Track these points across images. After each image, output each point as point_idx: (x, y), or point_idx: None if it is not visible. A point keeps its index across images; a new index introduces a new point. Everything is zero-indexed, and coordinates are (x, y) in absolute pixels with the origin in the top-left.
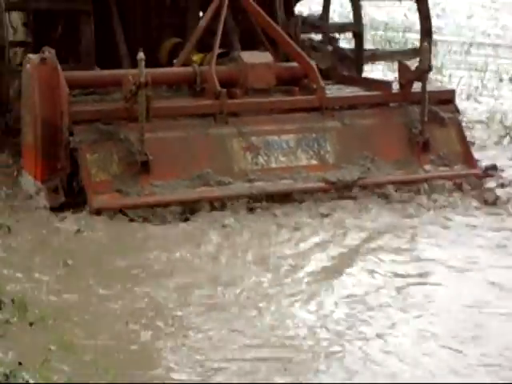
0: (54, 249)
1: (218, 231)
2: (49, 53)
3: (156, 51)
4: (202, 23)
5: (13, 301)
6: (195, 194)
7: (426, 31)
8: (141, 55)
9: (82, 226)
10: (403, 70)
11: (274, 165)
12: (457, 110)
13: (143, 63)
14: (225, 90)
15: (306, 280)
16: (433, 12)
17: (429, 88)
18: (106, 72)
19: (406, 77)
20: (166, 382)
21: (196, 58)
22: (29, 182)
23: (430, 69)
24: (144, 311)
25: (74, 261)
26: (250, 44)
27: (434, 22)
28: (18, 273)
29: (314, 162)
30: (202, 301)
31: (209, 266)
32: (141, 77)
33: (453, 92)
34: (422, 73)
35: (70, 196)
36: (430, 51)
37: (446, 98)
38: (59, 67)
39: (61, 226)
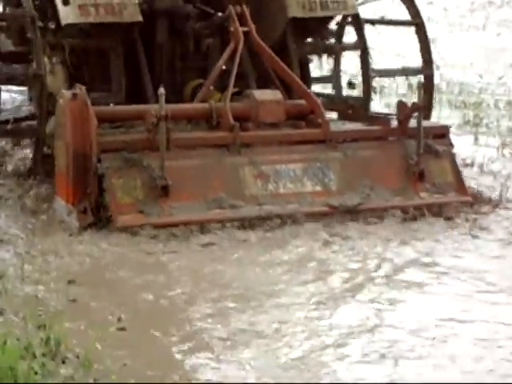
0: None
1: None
2: (80, 89)
3: (180, 92)
4: (219, 65)
5: (77, 356)
6: (210, 216)
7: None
8: (161, 90)
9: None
10: (401, 107)
11: (282, 190)
12: (450, 144)
13: (163, 98)
14: (238, 123)
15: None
16: None
17: (425, 124)
18: (131, 107)
19: (404, 113)
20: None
21: (216, 96)
22: (61, 205)
23: (424, 106)
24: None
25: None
26: (268, 83)
27: None
28: (81, 325)
29: (318, 188)
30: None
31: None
32: (161, 110)
33: (447, 127)
34: (418, 109)
35: (98, 216)
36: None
37: (441, 133)
38: (89, 102)
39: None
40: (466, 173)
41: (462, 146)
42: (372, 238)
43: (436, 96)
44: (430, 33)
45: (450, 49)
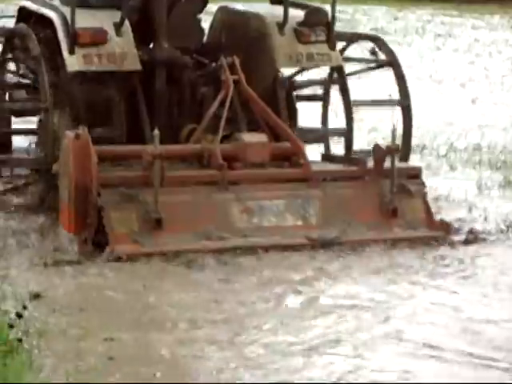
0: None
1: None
2: (83, 130)
3: (177, 135)
4: (211, 111)
5: None
6: (199, 246)
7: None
8: (156, 132)
9: None
10: (377, 149)
11: (265, 224)
12: (422, 183)
13: (158, 138)
14: (226, 163)
15: None
16: None
17: (399, 165)
18: (129, 147)
19: (379, 155)
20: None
21: (209, 139)
22: (64, 234)
23: (397, 148)
24: None
25: None
26: (258, 127)
27: None
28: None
29: (299, 222)
30: None
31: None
32: (156, 150)
33: (420, 169)
34: (391, 151)
35: (97, 246)
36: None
37: (414, 173)
38: (90, 142)
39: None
40: None
41: (506, 207)
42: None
43: (478, 156)
44: (471, 93)
45: (491, 109)
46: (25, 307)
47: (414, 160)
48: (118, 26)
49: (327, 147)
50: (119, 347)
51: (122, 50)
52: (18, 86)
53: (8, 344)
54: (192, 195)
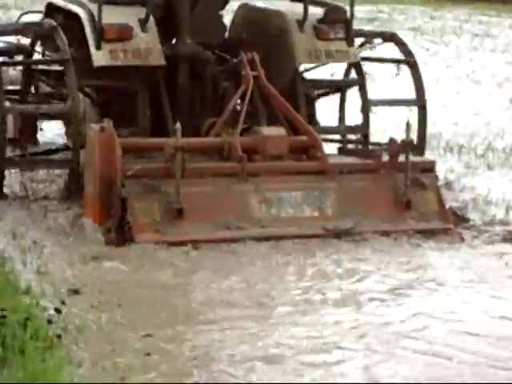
0: None
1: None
2: (107, 123)
3: (199, 129)
4: (231, 105)
5: None
6: (218, 236)
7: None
8: (177, 125)
9: None
10: (391, 143)
11: (283, 215)
12: (436, 177)
13: (180, 132)
14: (246, 155)
15: None
16: None
17: (413, 159)
18: (152, 140)
19: (393, 149)
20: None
21: (229, 132)
22: (89, 224)
23: (411, 142)
24: None
25: None
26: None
27: None
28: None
29: (315, 213)
30: None
31: None
32: (177, 142)
33: (433, 162)
34: (406, 145)
35: (121, 234)
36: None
37: (428, 167)
38: (115, 134)
39: None
40: None
41: None
42: None
43: None
44: (509, 93)
45: None
46: (63, 303)
47: (452, 159)
48: (143, 23)
49: (344, 143)
50: (156, 343)
51: (146, 45)
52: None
53: (47, 340)
54: (212, 186)
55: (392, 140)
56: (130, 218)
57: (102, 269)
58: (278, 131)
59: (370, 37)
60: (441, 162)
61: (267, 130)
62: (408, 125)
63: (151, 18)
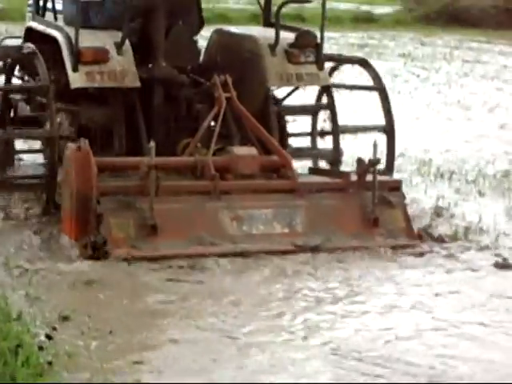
0: None
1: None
2: (84, 143)
3: (174, 148)
4: (205, 125)
5: None
6: (192, 251)
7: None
8: (151, 144)
9: None
10: (360, 163)
11: (254, 231)
12: (403, 195)
13: (154, 150)
14: (218, 174)
15: None
16: None
17: (381, 178)
18: (127, 158)
19: (361, 168)
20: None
21: (203, 152)
22: (65, 240)
23: (378, 161)
24: None
25: None
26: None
27: None
28: None
29: (286, 230)
30: None
31: None
32: (151, 161)
33: (400, 181)
34: (373, 165)
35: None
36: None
37: (395, 186)
38: (91, 153)
39: None
40: None
41: None
42: None
43: (507, 182)
44: (500, 119)
45: None
46: (54, 329)
47: (443, 186)
48: (119, 46)
49: (315, 163)
50: (148, 370)
51: (122, 67)
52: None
53: (38, 367)
54: (185, 203)
55: (360, 159)
56: (106, 233)
57: (91, 294)
58: (249, 151)
59: (341, 62)
60: (431, 188)
61: (239, 150)
62: (375, 145)
63: (127, 42)
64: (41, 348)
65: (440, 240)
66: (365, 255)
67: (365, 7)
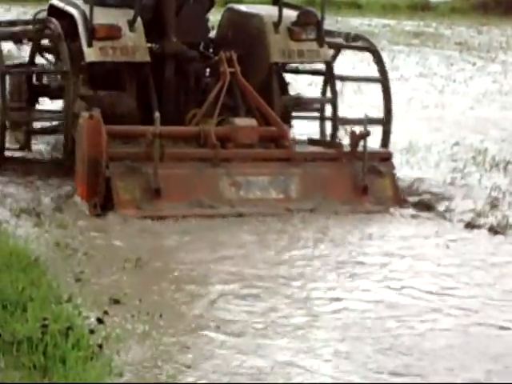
0: None
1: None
2: (95, 112)
3: (183, 118)
4: (210, 98)
5: None
6: (191, 213)
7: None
8: (156, 114)
9: None
10: (352, 135)
11: (251, 196)
12: (392, 166)
13: (158, 120)
14: (219, 143)
15: None
16: None
17: (372, 149)
18: (135, 127)
19: (353, 140)
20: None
21: (208, 122)
22: (78, 200)
23: (368, 134)
24: None
25: None
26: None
27: None
28: None
29: (280, 196)
30: None
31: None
32: (156, 129)
33: (390, 153)
34: (364, 137)
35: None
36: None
37: (385, 157)
38: (101, 121)
39: None
40: None
41: None
42: None
43: None
44: None
45: None
46: (106, 312)
47: (498, 176)
48: (131, 23)
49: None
50: (196, 353)
51: (133, 43)
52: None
53: (88, 350)
54: (188, 169)
55: (352, 132)
56: (114, 195)
57: (142, 275)
58: (249, 122)
59: (338, 37)
60: (486, 178)
61: (240, 121)
62: (366, 119)
63: (139, 19)
64: (92, 331)
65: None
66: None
67: None
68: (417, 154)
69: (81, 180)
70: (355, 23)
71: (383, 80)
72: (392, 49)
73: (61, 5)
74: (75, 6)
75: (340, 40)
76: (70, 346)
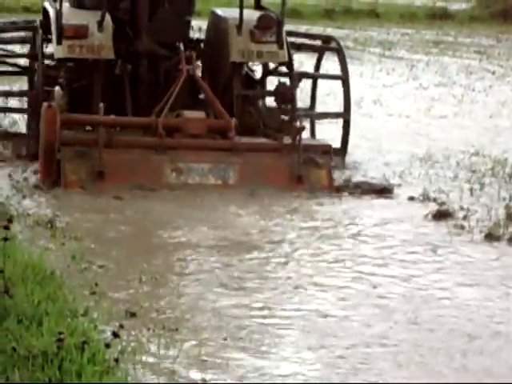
0: None
1: None
2: (53, 102)
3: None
4: (169, 93)
5: None
6: (132, 194)
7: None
8: (101, 105)
9: None
10: (292, 128)
11: (190, 181)
12: (330, 158)
13: (102, 110)
14: (165, 132)
15: None
16: None
17: (313, 142)
18: (88, 116)
19: (293, 132)
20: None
21: (168, 114)
22: (38, 179)
23: (303, 128)
24: None
25: None
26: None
27: None
28: None
29: (219, 182)
30: None
31: None
32: (100, 119)
33: (330, 146)
34: (299, 131)
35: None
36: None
37: (325, 150)
38: (58, 111)
39: None
40: None
41: None
42: None
43: None
44: None
45: None
46: (121, 326)
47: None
48: (99, 24)
49: None
50: (212, 367)
51: (100, 42)
52: None
53: (104, 364)
54: (133, 155)
55: (294, 126)
56: (62, 175)
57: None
58: (198, 114)
59: (304, 37)
60: (505, 190)
61: (189, 113)
62: (302, 115)
63: (108, 20)
64: (107, 345)
65: None
66: None
67: (440, 3)
68: (435, 164)
69: (39, 161)
70: (373, 33)
71: (344, 77)
72: (411, 58)
73: (48, 6)
74: (54, 7)
75: (306, 41)
76: (86, 360)
